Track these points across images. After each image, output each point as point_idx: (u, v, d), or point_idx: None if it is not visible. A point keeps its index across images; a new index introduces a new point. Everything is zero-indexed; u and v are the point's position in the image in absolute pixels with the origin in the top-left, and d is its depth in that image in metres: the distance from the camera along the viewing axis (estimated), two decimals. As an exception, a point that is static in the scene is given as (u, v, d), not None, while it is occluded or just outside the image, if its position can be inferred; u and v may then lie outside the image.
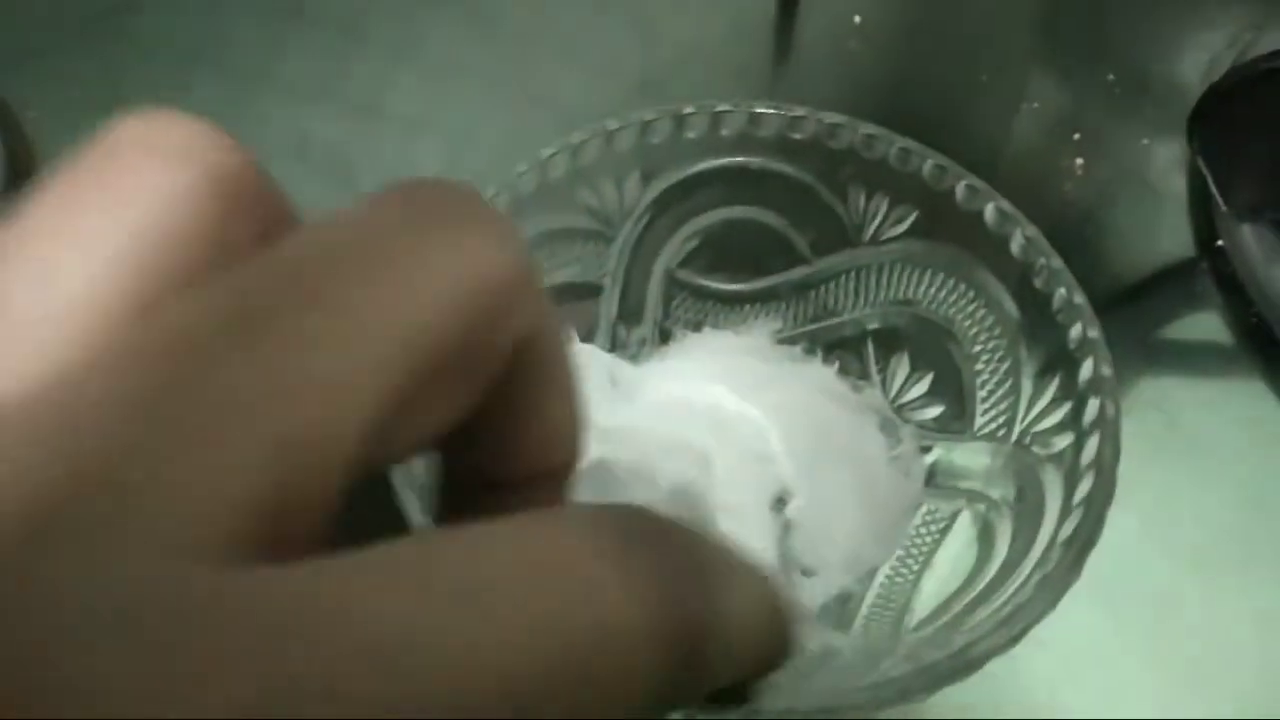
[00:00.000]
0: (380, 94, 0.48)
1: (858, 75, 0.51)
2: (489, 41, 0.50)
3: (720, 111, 0.32)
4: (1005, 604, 0.24)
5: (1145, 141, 0.48)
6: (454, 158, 0.46)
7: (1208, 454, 0.38)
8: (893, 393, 0.33)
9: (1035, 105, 0.49)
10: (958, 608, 0.26)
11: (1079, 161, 0.47)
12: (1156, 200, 0.47)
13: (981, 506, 0.29)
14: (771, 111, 0.32)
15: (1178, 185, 0.47)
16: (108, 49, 0.49)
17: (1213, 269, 0.43)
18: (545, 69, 0.50)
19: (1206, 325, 0.42)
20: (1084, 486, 0.25)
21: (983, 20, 0.53)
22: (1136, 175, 0.48)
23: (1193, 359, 0.42)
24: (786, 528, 0.32)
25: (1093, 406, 0.26)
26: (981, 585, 0.26)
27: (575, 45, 0.51)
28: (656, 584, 0.12)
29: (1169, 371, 0.41)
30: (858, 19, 0.51)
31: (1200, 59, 0.50)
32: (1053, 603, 0.23)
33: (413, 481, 0.20)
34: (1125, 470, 0.26)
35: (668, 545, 0.13)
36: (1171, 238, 0.46)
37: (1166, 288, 0.45)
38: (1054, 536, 0.25)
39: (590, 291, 0.34)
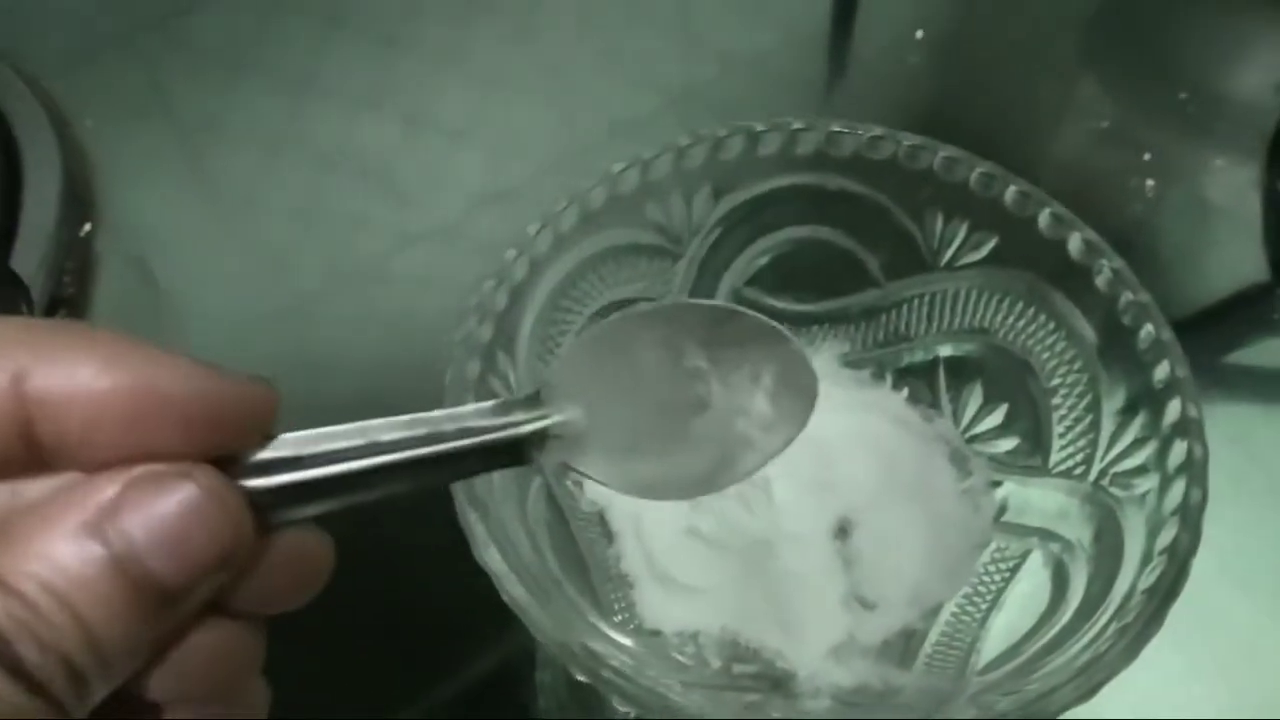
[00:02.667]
0: (425, 103, 0.48)
1: (918, 92, 0.50)
2: (533, 52, 0.50)
3: (796, 129, 0.31)
4: (1080, 653, 0.24)
5: (1219, 162, 0.47)
6: (497, 166, 0.46)
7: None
8: (964, 423, 0.32)
9: (1104, 125, 0.48)
10: (1028, 652, 0.25)
11: (1150, 182, 0.45)
12: (1231, 222, 0.46)
13: (1055, 547, 0.28)
14: (848, 131, 0.31)
15: (1253, 207, 0.46)
16: (157, 56, 0.49)
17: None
18: (588, 79, 0.49)
19: (1284, 353, 0.41)
20: (1168, 534, 0.24)
21: (1049, 38, 0.52)
22: (1210, 197, 0.46)
23: (1271, 388, 0.41)
24: (849, 559, 0.31)
25: (1179, 449, 0.25)
26: (1054, 630, 0.25)
27: (619, 55, 0.50)
28: None
29: (1245, 401, 0.40)
30: (920, 34, 0.50)
31: (1275, 78, 0.48)
32: (1132, 655, 0.23)
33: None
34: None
35: None
36: (1247, 262, 0.45)
37: (1242, 313, 0.43)
38: (1134, 585, 0.24)
39: (655, 307, 0.34)
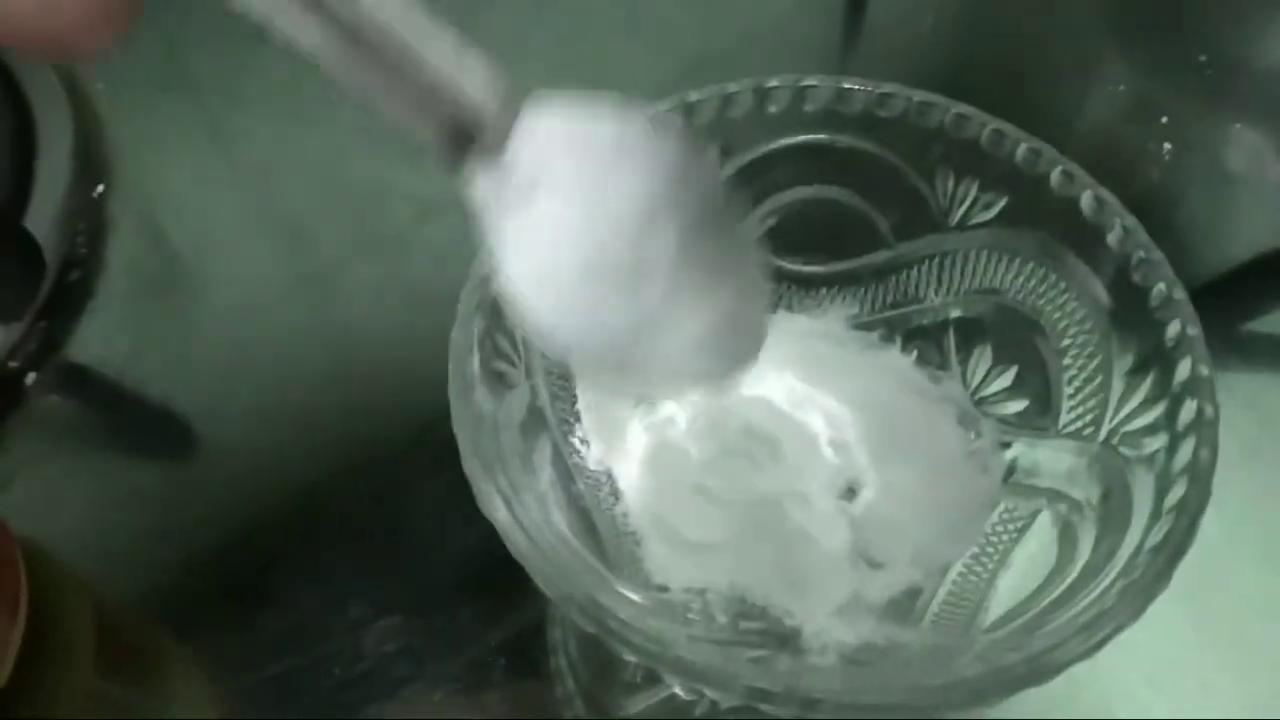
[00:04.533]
0: None
1: (934, 56, 0.50)
2: (548, 21, 0.50)
3: (805, 86, 0.31)
4: (1087, 609, 0.23)
5: (1238, 126, 0.46)
6: None
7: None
8: (973, 385, 0.32)
9: (1121, 88, 0.47)
10: (1035, 610, 0.25)
11: (1167, 146, 0.45)
12: (1250, 187, 0.45)
13: (1063, 507, 0.28)
14: (859, 88, 0.31)
15: (1273, 171, 0.45)
16: (171, 23, 0.49)
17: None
18: (604, 47, 0.49)
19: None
20: (1176, 492, 0.24)
21: (1068, 3, 0.51)
22: (1228, 162, 0.46)
23: (1286, 355, 0.41)
24: (856, 518, 0.31)
25: (1189, 408, 0.25)
26: (1061, 588, 0.25)
27: (635, 22, 0.50)
28: None
29: (1261, 368, 0.40)
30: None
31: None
32: (1138, 612, 0.22)
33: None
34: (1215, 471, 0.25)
35: None
36: (1264, 227, 0.44)
37: (1259, 279, 0.43)
38: (1141, 543, 0.24)
39: (663, 268, 0.34)
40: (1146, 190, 0.44)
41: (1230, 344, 0.40)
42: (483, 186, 0.20)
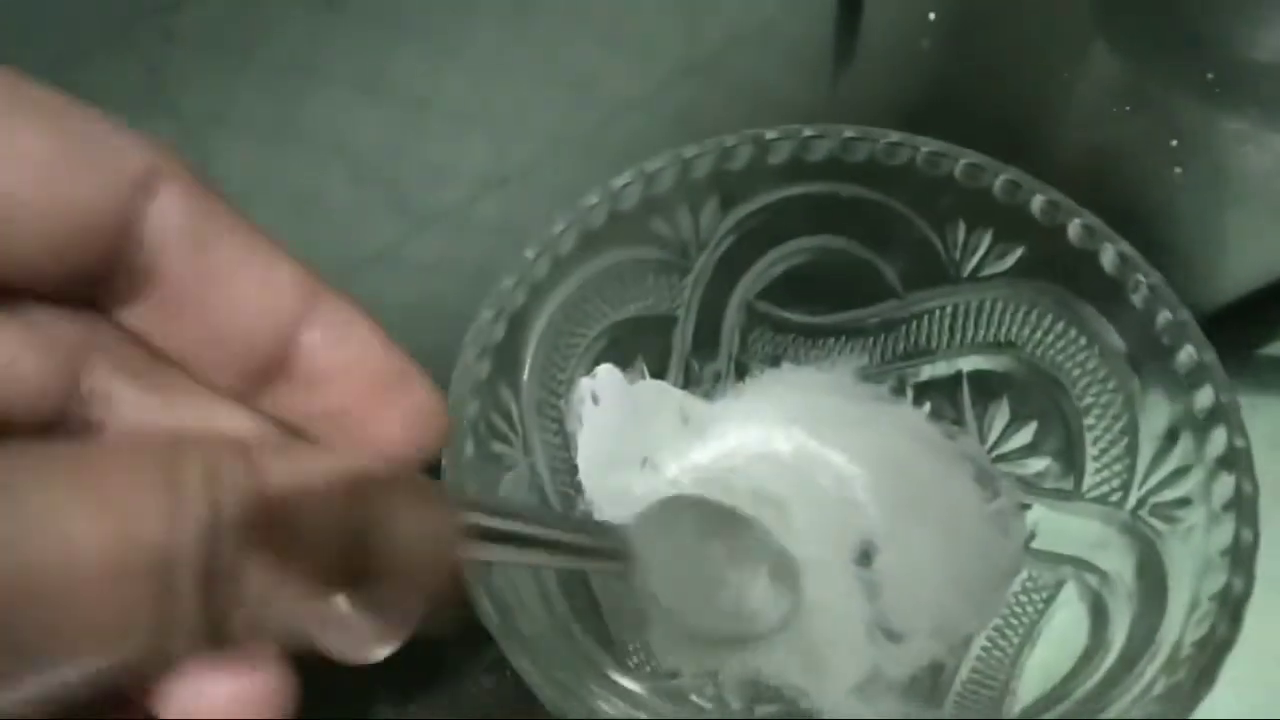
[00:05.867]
0: (427, 88, 0.47)
1: (930, 72, 0.48)
2: (532, 32, 0.49)
3: (807, 137, 0.29)
4: (1128, 708, 0.22)
5: (1249, 147, 0.45)
6: (501, 150, 0.45)
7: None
8: (990, 441, 0.31)
9: (1128, 109, 0.45)
10: (1068, 700, 0.24)
11: (1177, 170, 0.43)
12: (1262, 208, 0.44)
13: (1091, 578, 0.27)
14: (863, 138, 0.29)
15: (1286, 191, 0.44)
16: (151, 49, 0.47)
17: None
18: (589, 57, 0.48)
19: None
20: (1216, 577, 0.23)
21: (1067, 19, 0.49)
22: (1239, 182, 0.44)
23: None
24: (872, 586, 0.30)
25: (1226, 483, 0.24)
26: (1096, 677, 0.24)
27: (619, 30, 0.49)
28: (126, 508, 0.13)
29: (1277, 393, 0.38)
30: (933, 16, 0.48)
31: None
32: (1183, 715, 0.21)
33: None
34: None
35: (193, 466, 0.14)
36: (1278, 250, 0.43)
37: (1276, 304, 0.42)
38: (1182, 634, 0.23)
39: (663, 324, 0.32)
40: (1156, 212, 0.43)
41: (1248, 374, 0.39)
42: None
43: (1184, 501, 0.25)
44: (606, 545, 0.26)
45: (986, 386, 0.31)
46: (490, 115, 0.46)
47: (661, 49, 0.48)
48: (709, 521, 0.29)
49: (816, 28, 0.50)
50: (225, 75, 0.47)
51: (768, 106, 0.46)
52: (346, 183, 0.44)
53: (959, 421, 0.31)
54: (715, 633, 0.28)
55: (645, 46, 0.48)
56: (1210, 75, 0.45)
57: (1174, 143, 0.43)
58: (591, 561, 0.26)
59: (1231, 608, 0.22)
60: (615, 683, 0.26)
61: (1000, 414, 0.31)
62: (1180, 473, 0.25)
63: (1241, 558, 0.22)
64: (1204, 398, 0.25)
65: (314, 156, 0.45)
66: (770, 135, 0.30)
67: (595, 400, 0.30)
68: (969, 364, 0.31)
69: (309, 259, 0.42)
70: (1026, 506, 0.30)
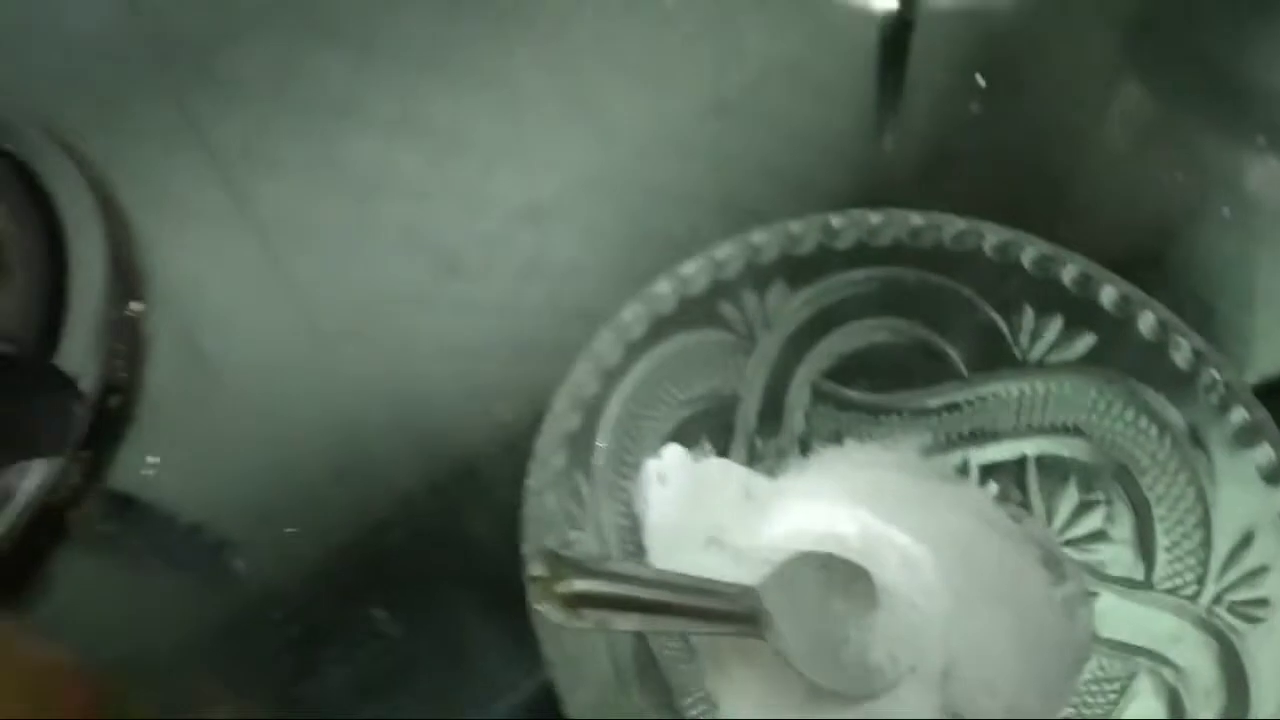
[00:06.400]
0: (460, 126, 0.47)
1: (971, 128, 0.48)
2: (563, 69, 0.49)
3: (874, 225, 0.30)
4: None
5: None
6: (533, 186, 0.45)
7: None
8: (1057, 525, 0.31)
9: (1179, 177, 0.45)
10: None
11: (1234, 239, 0.43)
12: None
13: (1167, 673, 0.27)
14: (929, 226, 0.29)
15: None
16: (183, 90, 0.48)
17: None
18: (619, 94, 0.48)
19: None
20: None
21: (1113, 72, 0.50)
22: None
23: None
24: (943, 671, 0.30)
25: (1307, 588, 0.24)
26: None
27: (650, 66, 0.49)
28: None
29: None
30: (982, 81, 0.48)
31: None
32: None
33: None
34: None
35: None
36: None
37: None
38: (1268, 737, 0.22)
39: (727, 403, 0.32)
40: (1213, 277, 0.43)
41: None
42: None
43: (1263, 602, 0.25)
44: (739, 609, 0.27)
45: (1054, 469, 0.31)
46: (521, 154, 0.46)
47: (693, 85, 0.48)
48: (833, 578, 0.30)
49: (847, 66, 0.50)
50: (260, 117, 0.47)
51: (799, 145, 0.46)
52: (382, 220, 0.44)
53: (1025, 504, 0.31)
54: (845, 690, 0.28)
55: (674, 83, 0.49)
56: (1261, 140, 0.45)
57: (1225, 211, 0.43)
58: (723, 626, 0.27)
59: (1319, 718, 0.22)
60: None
61: (1068, 498, 0.31)
62: (1259, 572, 0.25)
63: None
64: (1282, 498, 0.25)
65: (348, 194, 0.45)
66: (835, 222, 0.30)
67: (662, 481, 0.31)
68: (1034, 447, 0.31)
69: (343, 296, 0.43)
70: (1094, 594, 0.30)
